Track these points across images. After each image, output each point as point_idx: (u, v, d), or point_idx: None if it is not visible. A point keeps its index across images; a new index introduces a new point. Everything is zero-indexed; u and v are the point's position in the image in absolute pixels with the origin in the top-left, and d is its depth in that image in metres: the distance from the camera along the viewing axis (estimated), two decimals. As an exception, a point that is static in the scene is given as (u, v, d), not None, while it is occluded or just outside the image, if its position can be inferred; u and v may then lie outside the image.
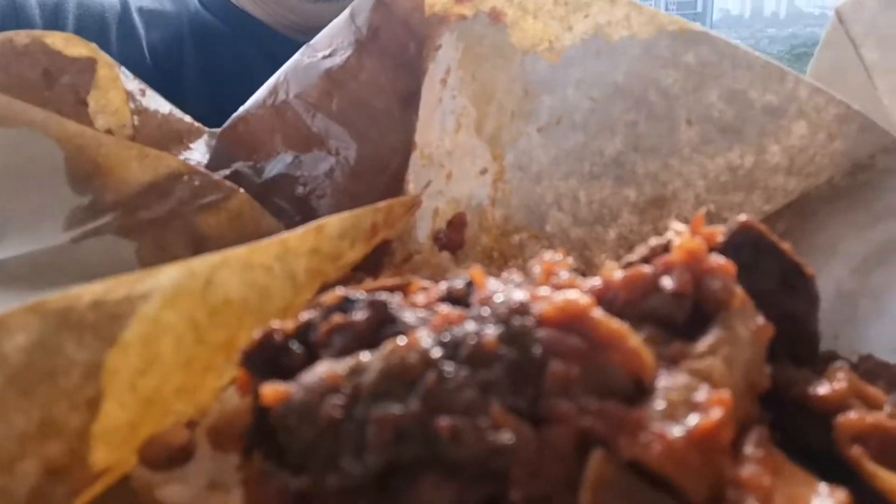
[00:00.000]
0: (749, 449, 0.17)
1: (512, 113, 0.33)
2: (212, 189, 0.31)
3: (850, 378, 0.20)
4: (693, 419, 0.15)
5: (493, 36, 0.33)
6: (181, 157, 0.34)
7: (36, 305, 0.16)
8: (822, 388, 0.20)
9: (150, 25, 0.70)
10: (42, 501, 0.17)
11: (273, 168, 0.35)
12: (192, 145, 0.36)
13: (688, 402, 0.16)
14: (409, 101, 0.35)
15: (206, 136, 0.37)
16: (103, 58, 0.32)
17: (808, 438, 0.20)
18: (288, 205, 0.35)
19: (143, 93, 0.34)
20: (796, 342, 0.22)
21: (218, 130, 0.38)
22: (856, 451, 0.18)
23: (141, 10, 0.71)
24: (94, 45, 0.31)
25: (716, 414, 0.15)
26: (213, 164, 0.35)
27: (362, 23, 0.34)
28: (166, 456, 0.19)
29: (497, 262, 0.32)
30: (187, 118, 0.37)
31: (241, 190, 0.32)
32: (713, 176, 0.29)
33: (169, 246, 0.30)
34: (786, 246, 0.22)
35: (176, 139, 0.35)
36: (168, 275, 0.18)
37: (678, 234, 0.19)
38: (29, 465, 0.17)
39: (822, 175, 0.30)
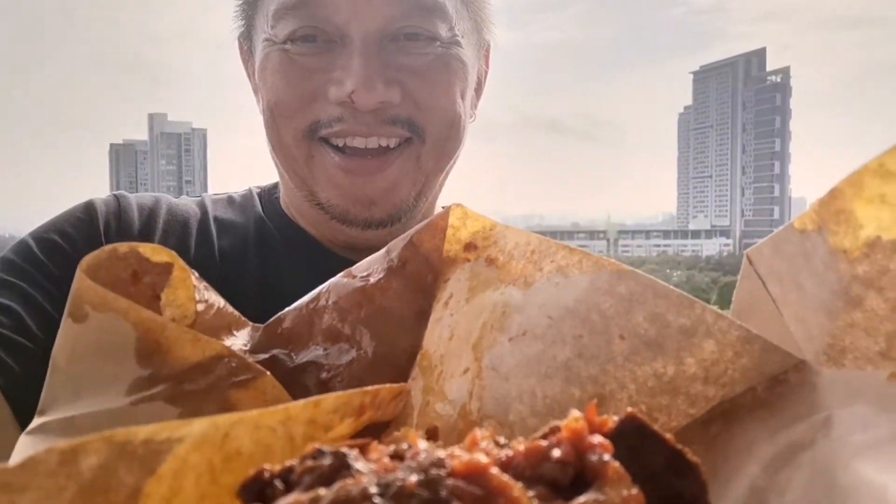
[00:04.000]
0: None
1: (491, 326, 0.41)
2: (245, 370, 0.39)
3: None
4: (553, 554, 0.21)
5: (487, 273, 0.43)
6: (227, 342, 0.43)
7: (108, 436, 0.23)
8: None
9: (221, 232, 0.84)
10: (80, 592, 0.23)
11: (305, 356, 0.44)
12: (237, 333, 0.45)
13: (554, 543, 0.22)
14: (421, 316, 0.44)
15: (249, 328, 0.46)
16: (179, 263, 0.42)
17: None
18: (313, 387, 0.43)
19: (207, 289, 0.44)
20: (691, 521, 0.27)
21: (260, 325, 0.47)
22: None
23: (216, 219, 0.86)
24: (174, 254, 0.42)
25: (569, 551, 0.21)
26: (256, 349, 0.44)
27: (395, 256, 0.45)
28: (175, 568, 0.25)
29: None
30: (236, 313, 0.46)
31: (268, 373, 0.40)
32: (642, 381, 0.36)
33: (204, 413, 0.37)
34: (668, 436, 0.28)
35: (226, 327, 0.44)
36: (199, 425, 0.26)
37: (571, 418, 0.26)
38: (79, 559, 0.23)
39: (737, 386, 0.36)
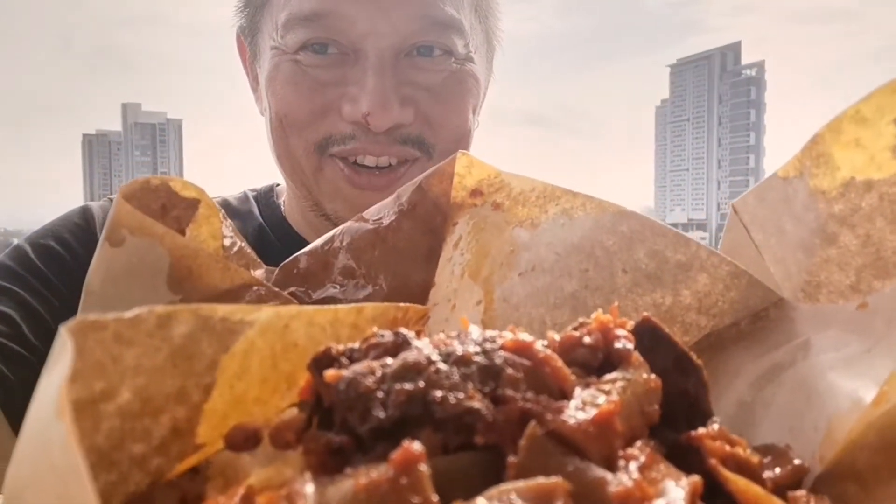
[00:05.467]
0: (637, 444, 0.25)
1: (501, 263, 0.44)
2: (273, 297, 0.42)
3: (722, 429, 0.29)
4: (594, 411, 0.24)
5: (494, 217, 0.46)
6: (246, 278, 0.45)
7: (195, 308, 0.25)
8: (701, 430, 0.28)
9: None
10: (163, 452, 0.26)
11: (322, 293, 0.46)
12: (255, 272, 0.47)
13: (593, 404, 0.25)
14: (431, 254, 0.47)
15: (264, 269, 0.49)
16: (206, 200, 0.44)
17: (695, 466, 0.28)
18: None
19: (232, 229, 0.46)
20: (694, 416, 0.31)
21: (274, 268, 0.49)
22: (714, 462, 0.26)
23: None
24: (202, 190, 0.44)
25: (609, 407, 0.24)
26: (274, 286, 0.46)
27: (405, 200, 0.47)
28: (243, 440, 0.27)
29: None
30: (254, 254, 0.48)
31: (294, 300, 0.42)
32: (643, 310, 0.40)
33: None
34: (676, 338, 0.31)
35: (245, 266, 0.47)
36: (266, 313, 0.28)
37: (598, 313, 0.30)
38: (166, 419, 0.25)
39: (726, 318, 0.40)
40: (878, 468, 0.27)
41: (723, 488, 0.26)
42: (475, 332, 0.27)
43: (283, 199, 0.89)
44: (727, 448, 0.28)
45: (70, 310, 0.71)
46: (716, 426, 0.29)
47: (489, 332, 0.27)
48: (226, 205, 0.88)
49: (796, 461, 0.29)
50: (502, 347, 0.26)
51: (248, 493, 0.22)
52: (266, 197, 0.90)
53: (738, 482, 0.26)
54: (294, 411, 0.29)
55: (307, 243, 0.84)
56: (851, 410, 0.30)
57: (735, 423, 0.38)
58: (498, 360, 0.25)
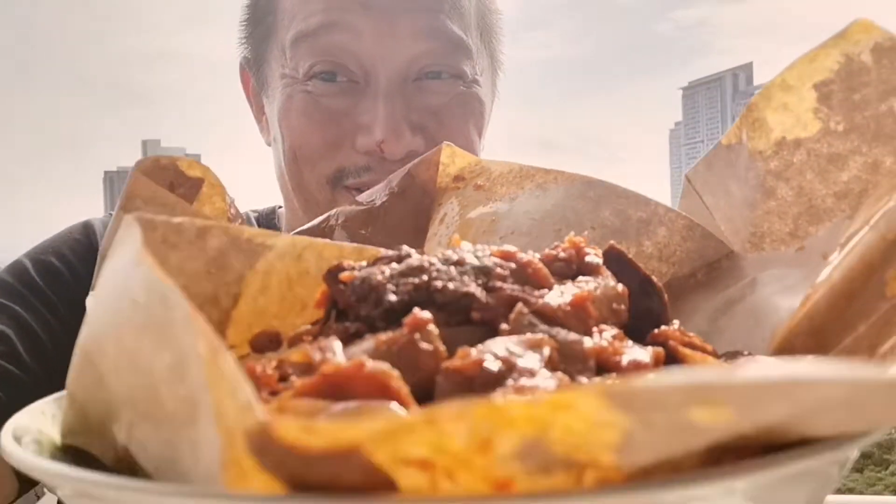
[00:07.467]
0: (608, 325, 0.30)
1: (483, 231, 0.49)
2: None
3: (681, 328, 0.34)
4: (571, 297, 0.29)
5: (476, 196, 0.51)
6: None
7: (226, 227, 0.29)
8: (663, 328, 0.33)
9: None
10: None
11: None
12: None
13: (570, 293, 0.29)
14: (419, 232, 0.51)
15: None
16: (210, 178, 0.48)
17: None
18: None
19: (236, 209, 0.50)
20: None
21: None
22: (674, 343, 0.31)
23: None
24: (207, 169, 0.48)
25: (583, 294, 0.29)
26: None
27: (395, 184, 0.52)
28: (267, 342, 0.31)
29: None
30: (254, 229, 0.52)
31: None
32: (610, 260, 0.44)
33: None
34: (639, 265, 0.36)
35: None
36: (282, 240, 0.32)
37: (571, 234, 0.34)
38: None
39: (684, 266, 0.45)
40: (810, 349, 0.32)
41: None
42: (467, 245, 0.31)
43: (284, 222, 0.90)
44: (686, 338, 0.32)
45: (66, 327, 0.71)
46: (676, 325, 0.34)
47: (479, 245, 0.31)
48: None
49: (746, 353, 0.34)
50: (491, 255, 0.30)
51: (281, 360, 0.26)
52: (267, 219, 0.91)
53: (694, 356, 0.30)
54: (308, 327, 0.33)
55: None
56: (789, 316, 0.35)
57: (695, 352, 0.42)
58: (488, 262, 0.30)
